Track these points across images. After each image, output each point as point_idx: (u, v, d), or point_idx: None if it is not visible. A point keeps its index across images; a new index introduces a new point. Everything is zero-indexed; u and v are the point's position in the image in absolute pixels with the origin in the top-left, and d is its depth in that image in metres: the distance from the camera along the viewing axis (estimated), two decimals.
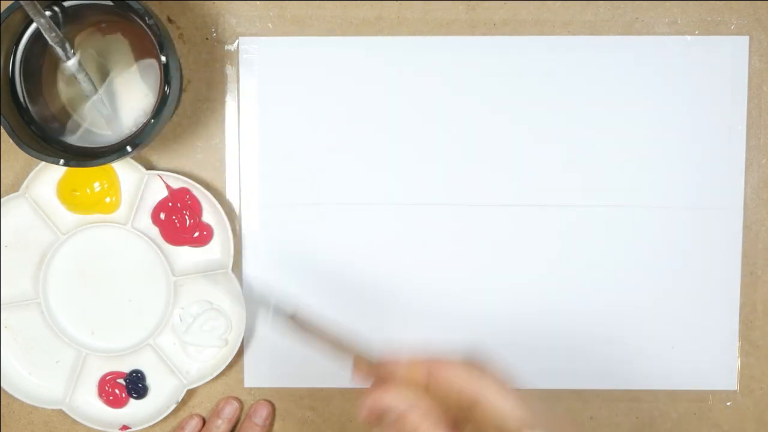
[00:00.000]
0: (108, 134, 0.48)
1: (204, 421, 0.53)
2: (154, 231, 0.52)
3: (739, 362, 0.53)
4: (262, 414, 0.53)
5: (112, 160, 0.45)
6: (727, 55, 0.52)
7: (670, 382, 0.53)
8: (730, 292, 0.53)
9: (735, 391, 0.53)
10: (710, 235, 0.53)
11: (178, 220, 0.51)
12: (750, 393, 0.53)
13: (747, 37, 0.52)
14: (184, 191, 0.51)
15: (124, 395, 0.53)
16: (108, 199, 0.51)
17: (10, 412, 0.54)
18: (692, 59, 0.52)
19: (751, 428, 0.53)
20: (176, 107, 0.51)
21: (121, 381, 0.53)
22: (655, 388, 0.53)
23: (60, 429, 0.54)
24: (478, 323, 0.53)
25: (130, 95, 0.48)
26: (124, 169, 0.51)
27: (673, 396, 0.53)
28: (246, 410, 0.53)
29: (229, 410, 0.53)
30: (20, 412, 0.54)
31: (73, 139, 0.48)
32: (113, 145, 0.47)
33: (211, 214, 0.52)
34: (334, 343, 0.43)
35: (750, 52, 0.52)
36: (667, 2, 0.52)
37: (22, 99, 0.47)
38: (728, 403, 0.53)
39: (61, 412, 0.53)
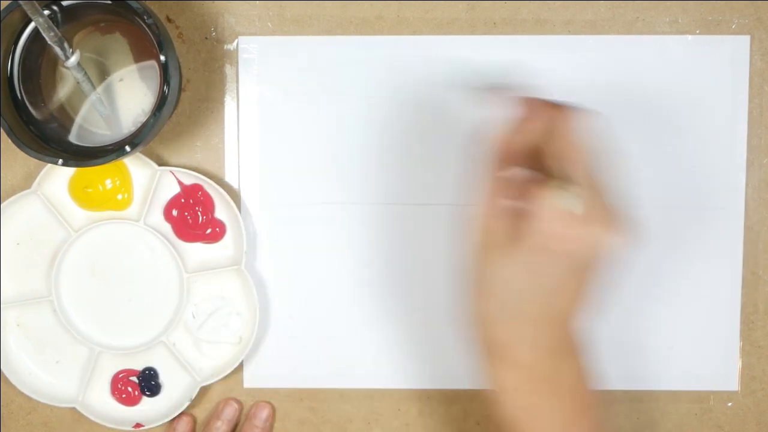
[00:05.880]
0: (107, 134, 0.48)
1: (195, 421, 0.53)
2: (167, 227, 0.52)
3: (740, 363, 0.53)
4: (262, 416, 0.53)
5: (111, 160, 0.45)
6: (728, 54, 0.52)
7: (671, 383, 0.53)
8: (731, 293, 0.53)
9: (736, 392, 0.53)
10: (711, 235, 0.52)
11: (191, 217, 0.51)
12: (751, 393, 0.53)
13: (748, 37, 0.52)
14: (197, 187, 0.51)
15: (137, 393, 0.53)
16: (120, 196, 0.51)
17: (9, 413, 0.54)
18: (693, 58, 0.52)
19: (753, 429, 0.53)
20: (175, 107, 0.51)
21: (134, 379, 0.53)
22: (656, 388, 0.53)
23: (59, 429, 0.54)
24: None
25: (129, 95, 0.48)
26: (137, 166, 0.51)
27: (674, 396, 0.53)
28: (246, 412, 0.53)
29: (229, 411, 0.53)
30: (19, 413, 0.53)
31: (71, 139, 0.48)
32: (112, 144, 0.47)
33: (223, 210, 0.52)
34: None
35: (751, 51, 0.52)
36: (668, 2, 0.52)
37: (20, 99, 0.47)
38: (729, 404, 0.53)
39: (60, 412, 0.53)
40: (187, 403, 0.52)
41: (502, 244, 0.40)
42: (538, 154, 0.42)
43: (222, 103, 0.52)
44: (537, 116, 0.42)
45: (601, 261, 0.40)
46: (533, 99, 0.42)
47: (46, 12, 0.43)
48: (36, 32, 0.46)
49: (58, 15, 0.45)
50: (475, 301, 0.41)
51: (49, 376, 0.53)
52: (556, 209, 0.38)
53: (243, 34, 0.52)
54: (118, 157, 0.45)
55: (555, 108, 0.42)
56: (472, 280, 0.41)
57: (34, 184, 0.51)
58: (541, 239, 0.39)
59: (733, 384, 0.53)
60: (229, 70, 0.52)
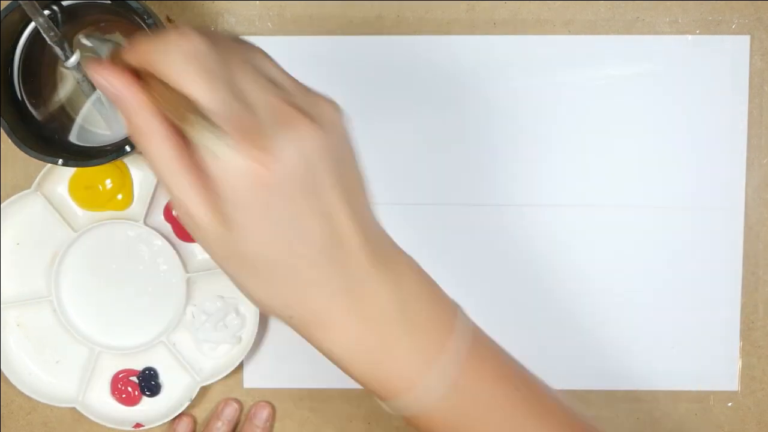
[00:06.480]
0: (107, 134, 0.48)
1: (195, 422, 0.53)
2: (167, 227, 0.52)
3: (740, 363, 0.53)
4: (262, 416, 0.53)
5: (111, 160, 0.45)
6: (728, 54, 0.52)
7: (672, 383, 0.53)
8: (731, 293, 0.53)
9: (736, 392, 0.53)
10: (711, 236, 0.52)
11: None
12: (751, 393, 0.53)
13: (748, 37, 0.52)
14: None
15: (137, 393, 0.53)
16: (120, 196, 0.51)
17: (9, 413, 0.54)
18: (693, 59, 0.52)
19: (753, 429, 0.53)
20: None
21: (134, 379, 0.53)
22: (656, 388, 0.53)
23: (58, 429, 0.54)
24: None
25: None
26: (137, 166, 0.51)
27: (675, 396, 0.53)
28: (246, 412, 0.53)
29: (229, 412, 0.53)
30: (19, 413, 0.53)
31: (71, 139, 0.48)
32: (112, 144, 0.47)
33: None
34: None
35: (751, 51, 0.52)
36: (668, 1, 0.52)
37: (21, 99, 0.47)
38: (729, 404, 0.53)
39: (60, 412, 0.53)
40: (187, 403, 0.52)
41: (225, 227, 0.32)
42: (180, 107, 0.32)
43: None
44: (134, 58, 0.32)
45: (335, 155, 0.35)
46: (117, 52, 0.33)
47: (46, 12, 0.43)
48: (36, 32, 0.46)
49: (58, 15, 0.45)
50: (259, 289, 0.35)
51: (49, 376, 0.53)
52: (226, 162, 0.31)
53: (243, 34, 0.52)
54: (118, 157, 0.45)
55: (143, 47, 0.32)
56: (233, 269, 0.34)
57: (34, 184, 0.51)
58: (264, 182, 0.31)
59: (733, 384, 0.53)
60: None
